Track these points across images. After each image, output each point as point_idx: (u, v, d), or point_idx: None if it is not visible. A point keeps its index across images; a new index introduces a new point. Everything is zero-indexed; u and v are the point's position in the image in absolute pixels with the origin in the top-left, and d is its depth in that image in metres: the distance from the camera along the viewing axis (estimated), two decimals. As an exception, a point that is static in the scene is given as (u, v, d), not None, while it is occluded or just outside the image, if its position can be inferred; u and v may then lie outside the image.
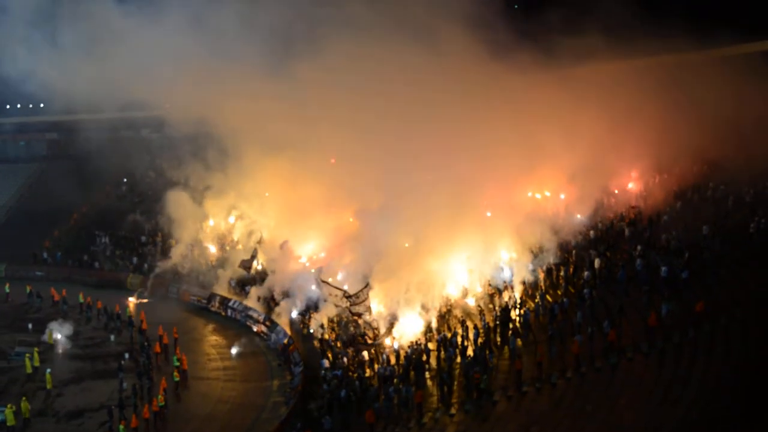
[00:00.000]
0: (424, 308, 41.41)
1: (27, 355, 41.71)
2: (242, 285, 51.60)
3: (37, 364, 41.64)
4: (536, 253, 43.65)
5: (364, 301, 41.38)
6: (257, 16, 48.71)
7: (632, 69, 51.94)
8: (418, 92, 46.17)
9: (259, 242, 54.24)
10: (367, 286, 41.79)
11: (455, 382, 34.27)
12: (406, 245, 43.26)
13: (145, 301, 52.65)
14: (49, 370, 39.95)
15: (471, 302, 42.14)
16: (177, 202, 56.44)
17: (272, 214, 54.96)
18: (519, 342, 35.72)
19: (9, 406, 35.70)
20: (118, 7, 50.33)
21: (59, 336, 45.77)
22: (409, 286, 41.82)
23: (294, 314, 45.50)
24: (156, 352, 42.98)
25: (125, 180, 72.64)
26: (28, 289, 53.02)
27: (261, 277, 51.21)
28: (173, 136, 57.61)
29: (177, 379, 39.69)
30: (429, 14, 47.40)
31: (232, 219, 59.14)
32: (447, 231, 42.72)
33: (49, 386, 39.22)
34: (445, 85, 46.65)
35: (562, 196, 50.94)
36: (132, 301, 50.62)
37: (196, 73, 49.85)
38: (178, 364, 40.79)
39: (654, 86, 48.64)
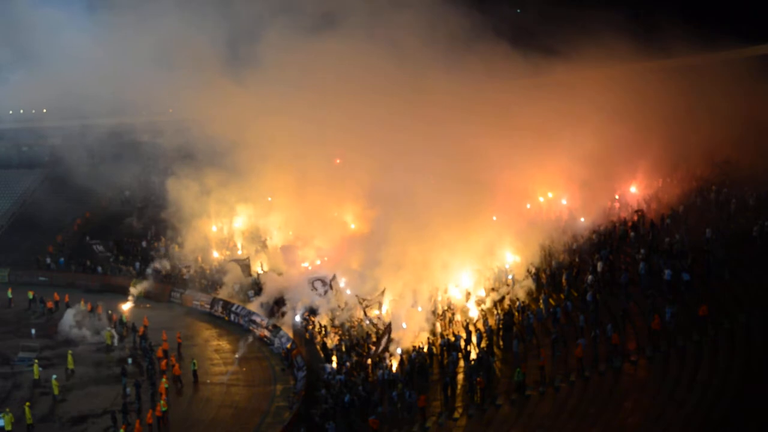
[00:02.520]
0: (428, 310, 41.45)
1: (35, 360, 41.75)
2: (245, 290, 51.61)
3: (71, 366, 42.00)
4: (540, 257, 43.61)
5: (375, 305, 41.58)
6: (254, 23, 48.95)
7: (639, 72, 51.90)
8: (428, 96, 46.35)
9: (263, 245, 54.36)
10: (383, 291, 42.03)
11: (459, 387, 34.24)
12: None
13: (148, 306, 52.64)
14: (54, 377, 39.98)
15: (474, 306, 42.09)
16: (178, 188, 56.34)
17: (277, 218, 55.10)
18: (521, 346, 35.71)
19: (7, 410, 35.73)
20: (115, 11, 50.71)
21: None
22: (413, 289, 41.93)
23: (297, 318, 45.49)
24: (158, 357, 42.98)
25: (128, 185, 72.67)
26: (30, 294, 53.01)
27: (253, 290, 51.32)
28: (175, 141, 57.65)
29: (167, 385, 39.37)
30: (435, 15, 47.54)
31: (238, 223, 59.25)
32: (452, 234, 42.84)
33: (56, 392, 39.17)
34: (452, 86, 46.79)
35: (564, 202, 50.95)
36: (128, 306, 50.58)
37: (195, 79, 50.03)
38: (195, 368, 40.87)
39: (660, 89, 48.61)
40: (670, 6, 52.25)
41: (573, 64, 49.54)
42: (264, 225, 57.11)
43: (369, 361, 38.54)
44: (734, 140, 46.21)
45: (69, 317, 47.82)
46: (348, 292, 44.53)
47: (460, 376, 34.96)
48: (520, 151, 45.10)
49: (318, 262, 50.23)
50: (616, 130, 46.30)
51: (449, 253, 43.19)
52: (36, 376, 40.73)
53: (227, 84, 49.85)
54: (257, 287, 50.84)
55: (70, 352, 43.20)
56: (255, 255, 54.66)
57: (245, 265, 52.88)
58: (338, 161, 51.26)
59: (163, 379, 39.68)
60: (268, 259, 53.77)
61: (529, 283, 41.65)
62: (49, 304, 51.69)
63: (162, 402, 36.68)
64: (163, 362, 42.04)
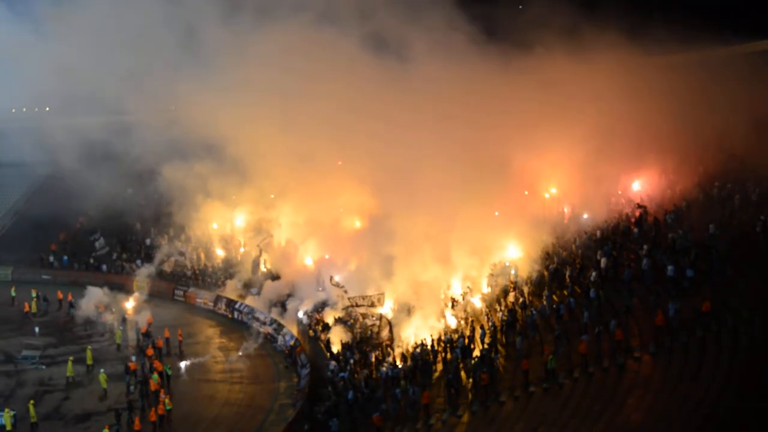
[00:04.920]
0: (431, 308, 41.46)
1: (71, 358, 41.88)
2: (248, 287, 51.67)
3: (90, 362, 42.22)
4: (543, 253, 43.58)
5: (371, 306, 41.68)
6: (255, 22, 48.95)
7: (644, 66, 51.77)
8: (434, 90, 46.37)
9: (264, 242, 54.40)
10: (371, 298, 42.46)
11: (462, 383, 34.23)
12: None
13: (151, 304, 52.65)
14: (102, 370, 40.27)
15: (477, 302, 42.10)
16: (180, 185, 56.30)
17: (280, 216, 55.14)
18: (525, 342, 35.69)
19: (6, 410, 35.77)
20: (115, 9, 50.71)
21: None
22: (417, 286, 41.97)
23: (301, 315, 45.51)
24: (149, 354, 42.79)
25: (130, 182, 72.65)
26: (33, 292, 53.02)
27: (269, 278, 51.37)
28: (178, 138, 57.64)
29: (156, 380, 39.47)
30: (441, 11, 47.52)
31: (239, 221, 59.24)
32: (455, 229, 42.84)
33: (104, 386, 39.44)
34: (457, 80, 46.79)
35: (567, 198, 50.94)
36: (131, 304, 50.64)
37: (194, 77, 50.02)
38: (170, 373, 40.73)
39: (665, 85, 48.47)
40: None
41: (577, 59, 49.35)
42: (267, 222, 57.05)
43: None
44: (737, 135, 46.02)
45: (89, 300, 47.96)
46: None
47: (463, 373, 34.98)
48: (520, 147, 45.11)
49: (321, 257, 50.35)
50: (621, 125, 46.22)
51: (454, 249, 43.22)
52: (69, 373, 40.77)
53: (225, 80, 49.81)
54: (260, 285, 50.87)
55: (89, 348, 43.53)
56: (256, 252, 54.72)
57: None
58: (340, 163, 51.14)
59: (155, 375, 39.74)
60: (270, 256, 53.79)
61: (534, 261, 41.66)
62: (26, 308, 51.48)
63: (167, 400, 36.69)
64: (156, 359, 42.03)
